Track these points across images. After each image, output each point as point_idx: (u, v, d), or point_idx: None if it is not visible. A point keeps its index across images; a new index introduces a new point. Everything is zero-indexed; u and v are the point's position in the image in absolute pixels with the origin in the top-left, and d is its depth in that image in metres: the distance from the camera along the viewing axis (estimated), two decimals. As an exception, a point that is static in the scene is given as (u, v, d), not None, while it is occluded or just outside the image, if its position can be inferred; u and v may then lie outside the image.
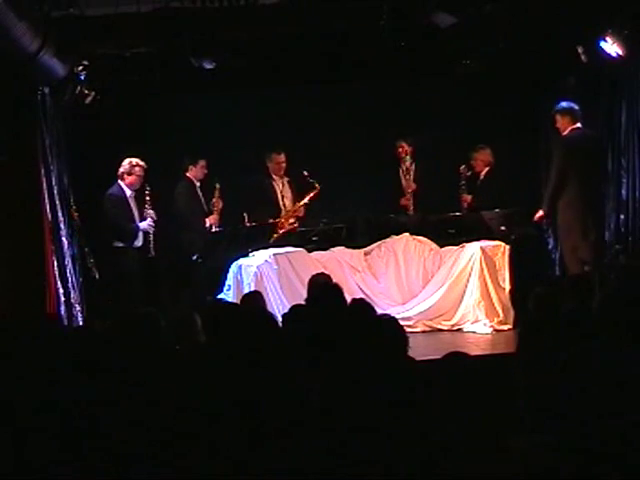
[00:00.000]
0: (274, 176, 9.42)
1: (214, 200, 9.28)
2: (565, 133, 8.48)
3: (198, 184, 9.39)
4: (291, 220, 9.15)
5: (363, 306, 5.25)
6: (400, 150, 9.49)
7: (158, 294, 9.19)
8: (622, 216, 8.84)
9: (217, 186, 9.26)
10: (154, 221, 8.85)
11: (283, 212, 9.22)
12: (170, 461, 2.91)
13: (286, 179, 9.46)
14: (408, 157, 9.47)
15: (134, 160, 8.82)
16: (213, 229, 9.25)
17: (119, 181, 8.84)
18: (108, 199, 8.81)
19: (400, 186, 9.57)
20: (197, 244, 9.11)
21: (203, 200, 9.36)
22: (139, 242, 8.86)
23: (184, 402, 3.16)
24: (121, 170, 8.83)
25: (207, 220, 9.28)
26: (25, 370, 3.82)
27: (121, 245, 8.77)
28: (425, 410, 2.94)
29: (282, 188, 9.42)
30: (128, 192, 8.84)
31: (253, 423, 2.93)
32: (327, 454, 2.75)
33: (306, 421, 3.00)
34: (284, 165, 9.39)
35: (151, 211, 8.85)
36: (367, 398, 3.09)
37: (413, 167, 9.51)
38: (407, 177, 9.50)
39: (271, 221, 9.03)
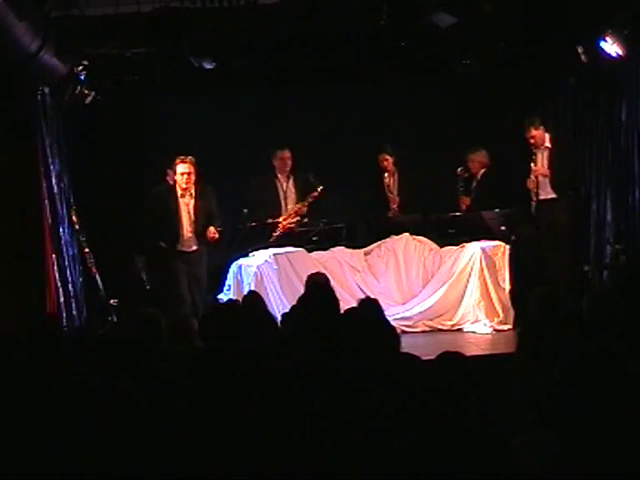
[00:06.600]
0: (279, 175, 9.14)
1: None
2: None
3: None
4: (291, 220, 9.01)
5: (370, 305, 5.26)
6: (385, 163, 9.38)
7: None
8: (622, 216, 8.85)
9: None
10: None
11: (284, 211, 9.05)
12: (165, 462, 2.91)
13: (291, 178, 9.17)
14: (387, 173, 9.39)
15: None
16: None
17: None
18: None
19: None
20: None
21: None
22: None
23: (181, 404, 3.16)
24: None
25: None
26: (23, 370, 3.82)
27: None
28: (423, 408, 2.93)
29: (286, 187, 9.16)
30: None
31: (248, 428, 2.93)
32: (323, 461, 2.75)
33: (303, 424, 3.00)
34: (289, 162, 9.09)
35: None
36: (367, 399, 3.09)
37: (395, 177, 9.42)
38: (390, 191, 9.42)
39: (271, 221, 8.88)
